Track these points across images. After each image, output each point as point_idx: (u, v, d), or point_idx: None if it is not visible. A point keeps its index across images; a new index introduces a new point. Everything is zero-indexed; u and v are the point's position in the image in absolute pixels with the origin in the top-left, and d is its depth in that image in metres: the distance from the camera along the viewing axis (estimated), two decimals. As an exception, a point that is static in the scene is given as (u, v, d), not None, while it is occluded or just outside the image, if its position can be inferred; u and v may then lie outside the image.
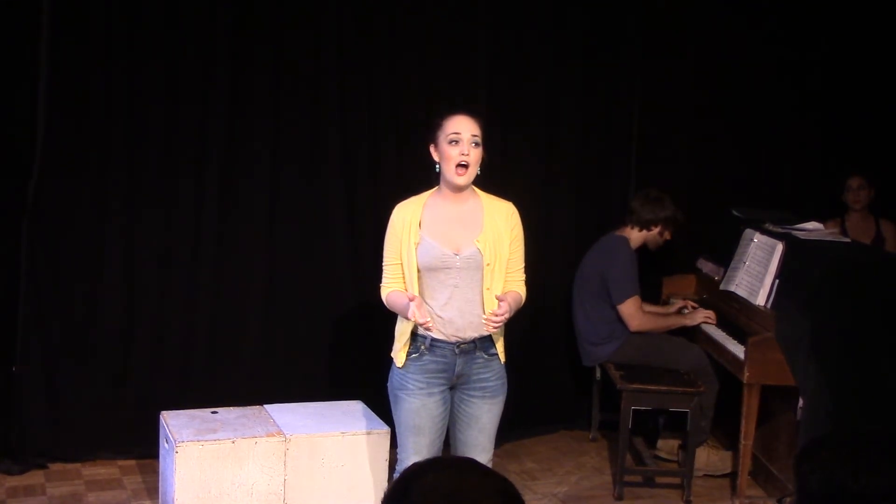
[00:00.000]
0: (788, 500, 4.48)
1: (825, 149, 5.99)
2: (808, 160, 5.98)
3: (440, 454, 3.76)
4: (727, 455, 5.08)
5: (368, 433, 4.35)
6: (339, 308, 5.16)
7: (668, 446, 5.27)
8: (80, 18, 4.60)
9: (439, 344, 3.65)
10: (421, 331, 3.63)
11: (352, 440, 4.32)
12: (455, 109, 3.73)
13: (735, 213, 5.56)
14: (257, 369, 5.04)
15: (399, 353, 3.70)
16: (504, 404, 3.81)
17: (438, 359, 3.66)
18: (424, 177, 3.90)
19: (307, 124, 5.04)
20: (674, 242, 5.43)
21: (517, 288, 3.74)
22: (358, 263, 5.11)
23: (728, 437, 5.17)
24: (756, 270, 4.92)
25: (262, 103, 4.94)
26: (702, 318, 5.18)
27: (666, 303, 5.62)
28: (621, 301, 5.03)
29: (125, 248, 4.81)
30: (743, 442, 4.64)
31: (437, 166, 3.69)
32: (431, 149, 3.71)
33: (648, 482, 5.03)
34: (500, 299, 3.54)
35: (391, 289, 3.71)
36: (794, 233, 4.98)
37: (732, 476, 4.95)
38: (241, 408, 4.50)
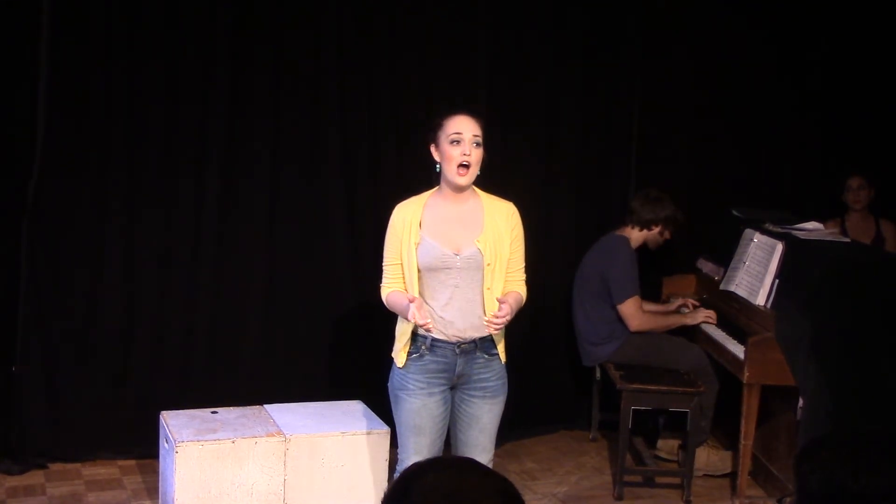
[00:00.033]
0: (788, 500, 4.48)
1: (825, 149, 5.99)
2: (808, 160, 5.98)
3: (441, 454, 3.76)
4: (727, 455, 5.08)
5: (368, 433, 4.35)
6: (339, 308, 5.16)
7: (668, 446, 5.27)
8: (80, 18, 4.60)
9: (440, 344, 3.65)
10: (421, 331, 3.63)
11: (352, 440, 4.32)
12: (456, 109, 3.73)
13: (735, 213, 5.56)
14: (257, 369, 5.04)
15: (400, 354, 3.70)
16: (504, 404, 3.81)
17: (439, 359, 3.66)
18: (424, 177, 3.90)
19: (307, 124, 5.04)
20: (674, 242, 5.44)
21: (517, 288, 3.74)
22: (358, 263, 5.11)
23: (728, 437, 5.17)
24: (756, 270, 4.92)
25: (262, 103, 4.94)
26: (702, 317, 5.18)
27: (666, 302, 5.62)
28: (621, 301, 5.03)
29: (125, 248, 4.81)
30: (743, 442, 4.64)
31: (438, 166, 3.68)
32: (432, 149, 3.70)
33: (648, 482, 5.03)
34: (501, 301, 3.54)
35: (391, 289, 3.71)
36: (794, 233, 4.98)
37: (732, 476, 4.95)
38: (241, 408, 4.50)
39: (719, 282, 5.28)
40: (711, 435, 5.16)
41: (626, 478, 4.88)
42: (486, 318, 3.56)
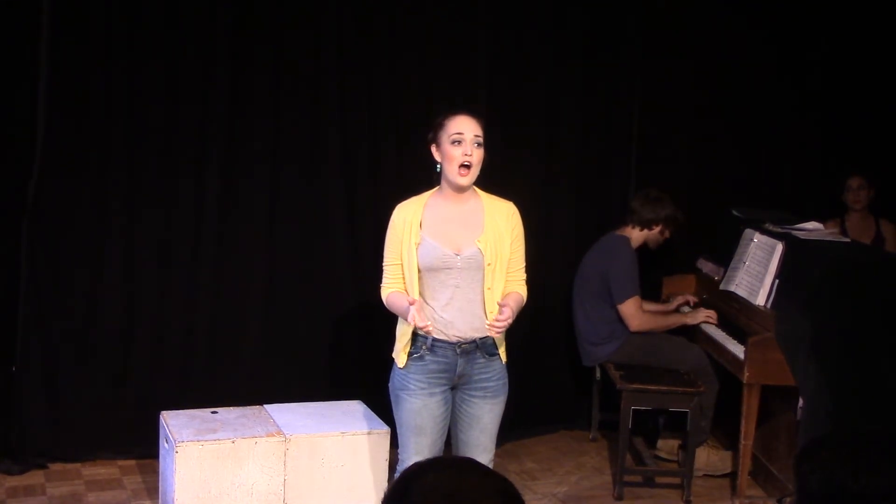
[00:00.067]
0: (788, 500, 4.48)
1: (825, 149, 5.99)
2: (808, 160, 5.98)
3: (441, 454, 3.76)
4: (727, 455, 5.08)
5: (368, 433, 4.35)
6: (339, 308, 5.15)
7: (668, 446, 5.26)
8: (80, 18, 4.60)
9: (440, 344, 3.65)
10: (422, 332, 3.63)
11: (352, 440, 4.32)
12: (457, 109, 3.73)
13: (735, 213, 5.56)
14: (257, 369, 5.04)
15: (400, 354, 3.70)
16: (505, 404, 3.81)
17: (440, 359, 3.66)
18: (424, 177, 3.90)
19: (307, 124, 5.04)
20: (674, 242, 5.44)
21: (518, 288, 3.74)
22: (358, 263, 5.11)
23: (728, 437, 5.17)
24: (756, 270, 4.92)
25: (262, 103, 4.94)
26: (703, 317, 5.18)
27: (666, 302, 5.62)
28: (622, 301, 5.03)
29: (125, 248, 4.81)
30: (743, 442, 4.64)
31: (438, 166, 3.68)
32: (433, 149, 3.70)
33: (648, 482, 5.03)
34: (502, 305, 3.54)
35: (392, 289, 3.71)
36: (794, 233, 4.98)
37: (732, 476, 4.95)
38: (241, 408, 4.50)
39: (719, 282, 5.28)
40: (711, 435, 5.16)
41: (626, 478, 4.88)
42: (488, 322, 3.56)
